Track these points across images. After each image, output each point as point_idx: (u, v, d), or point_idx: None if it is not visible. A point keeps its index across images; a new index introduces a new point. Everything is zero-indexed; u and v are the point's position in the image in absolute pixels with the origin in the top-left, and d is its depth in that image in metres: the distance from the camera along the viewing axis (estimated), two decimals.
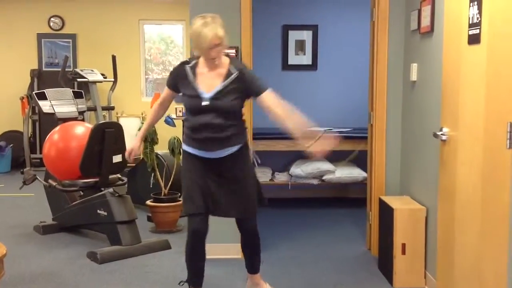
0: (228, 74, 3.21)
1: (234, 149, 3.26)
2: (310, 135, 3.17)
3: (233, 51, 4.26)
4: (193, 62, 3.27)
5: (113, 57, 7.14)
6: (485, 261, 2.81)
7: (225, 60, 3.24)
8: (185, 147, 3.33)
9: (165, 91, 3.41)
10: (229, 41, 4.23)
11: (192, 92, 3.21)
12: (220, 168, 3.26)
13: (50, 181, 5.01)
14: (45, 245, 4.83)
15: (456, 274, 3.17)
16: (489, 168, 2.75)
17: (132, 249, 4.54)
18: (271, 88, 3.23)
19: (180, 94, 3.33)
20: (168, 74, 3.50)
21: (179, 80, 3.28)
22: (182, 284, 3.48)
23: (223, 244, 4.33)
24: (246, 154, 3.35)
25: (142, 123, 5.55)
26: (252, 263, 3.58)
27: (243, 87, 3.22)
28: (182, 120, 3.42)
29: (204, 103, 3.17)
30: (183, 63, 3.32)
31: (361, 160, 5.68)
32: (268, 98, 3.23)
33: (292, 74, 6.68)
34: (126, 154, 3.50)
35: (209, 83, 3.20)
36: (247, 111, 4.35)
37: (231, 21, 4.30)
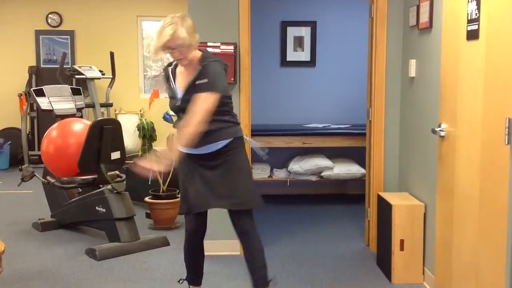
0: (196, 70, 3.12)
1: (220, 145, 3.16)
2: (162, 155, 3.11)
3: (232, 47, 4.26)
4: (174, 62, 3.23)
5: (111, 54, 7.12)
6: (483, 257, 2.81)
7: (198, 55, 3.15)
8: (179, 146, 3.28)
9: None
10: (227, 38, 4.28)
11: (172, 93, 3.20)
12: (211, 162, 3.19)
13: (48, 178, 5.01)
14: (44, 242, 4.83)
15: (454, 270, 3.18)
16: (488, 164, 2.75)
17: (130, 245, 4.54)
18: (210, 94, 3.01)
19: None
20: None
21: (165, 82, 3.26)
22: (182, 282, 3.46)
23: (222, 241, 4.33)
24: (237, 150, 3.20)
25: (141, 120, 5.58)
26: (252, 275, 3.27)
27: (203, 80, 3.08)
28: None
29: (177, 104, 3.15)
30: (167, 66, 3.29)
31: (359, 157, 5.69)
32: (197, 100, 3.01)
33: (290, 71, 6.68)
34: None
35: (183, 82, 3.17)
36: (244, 107, 4.36)
37: (229, 17, 4.30)
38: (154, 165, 3.05)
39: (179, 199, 5.21)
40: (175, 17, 3.08)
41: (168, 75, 3.23)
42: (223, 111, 3.17)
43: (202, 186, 3.19)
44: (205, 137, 3.11)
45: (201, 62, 3.11)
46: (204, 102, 3.00)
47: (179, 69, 3.21)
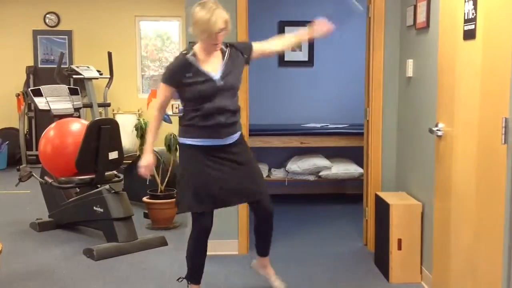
0: (223, 52, 3.31)
1: (237, 135, 3.35)
2: (314, 27, 3.66)
3: None
4: (191, 51, 3.28)
5: (109, 54, 7.11)
6: (480, 256, 2.82)
7: None
8: (187, 140, 3.28)
9: (166, 91, 3.30)
10: (225, 37, 4.27)
11: (204, 77, 3.22)
12: (228, 155, 3.29)
13: (46, 178, 5.00)
14: (42, 242, 4.82)
15: (451, 269, 3.18)
16: (485, 163, 2.75)
17: (128, 245, 4.54)
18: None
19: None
20: (162, 71, 3.47)
21: (184, 71, 3.23)
22: (181, 281, 3.49)
23: (220, 241, 4.33)
24: (245, 142, 3.47)
25: (139, 120, 5.56)
26: (264, 246, 3.61)
27: (239, 56, 3.37)
28: (184, 113, 3.34)
29: (219, 84, 3.22)
30: (184, 54, 3.28)
31: (357, 156, 5.69)
32: (259, 45, 3.53)
33: (288, 71, 6.68)
34: (143, 170, 3.40)
35: (212, 66, 3.26)
36: (243, 108, 4.36)
37: None
38: None
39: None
40: (211, 2, 3.20)
41: (191, 63, 3.23)
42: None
43: (228, 181, 3.28)
44: (231, 127, 3.28)
45: (225, 46, 3.34)
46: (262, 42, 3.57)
47: (200, 56, 3.26)
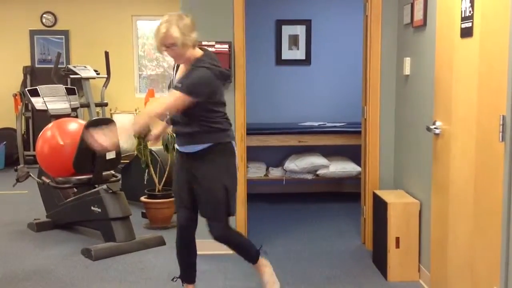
0: (187, 70, 3.16)
1: (200, 147, 3.19)
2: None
3: (226, 46, 4.25)
4: None
5: (106, 53, 7.11)
6: (478, 254, 2.82)
7: (197, 54, 3.15)
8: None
9: None
10: (222, 36, 4.28)
11: (171, 86, 3.35)
12: (191, 164, 3.26)
13: (43, 178, 4.99)
14: (39, 242, 4.81)
15: (449, 267, 3.19)
16: (482, 161, 2.75)
17: (126, 245, 4.53)
18: (180, 94, 3.04)
19: None
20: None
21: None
22: (175, 280, 3.49)
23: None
24: (218, 156, 3.22)
25: None
26: (243, 257, 3.54)
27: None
28: None
29: None
30: None
31: (355, 155, 5.69)
32: (165, 97, 3.35)
33: (285, 69, 6.67)
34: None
35: (179, 75, 3.24)
36: (239, 106, 4.36)
37: (223, 16, 4.29)
38: (105, 139, 2.97)
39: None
40: (172, 15, 3.12)
41: (174, 69, 3.33)
42: (207, 116, 3.17)
43: (183, 183, 3.32)
44: (186, 137, 3.24)
45: (193, 64, 3.12)
46: (170, 98, 3.09)
47: (181, 66, 3.25)
